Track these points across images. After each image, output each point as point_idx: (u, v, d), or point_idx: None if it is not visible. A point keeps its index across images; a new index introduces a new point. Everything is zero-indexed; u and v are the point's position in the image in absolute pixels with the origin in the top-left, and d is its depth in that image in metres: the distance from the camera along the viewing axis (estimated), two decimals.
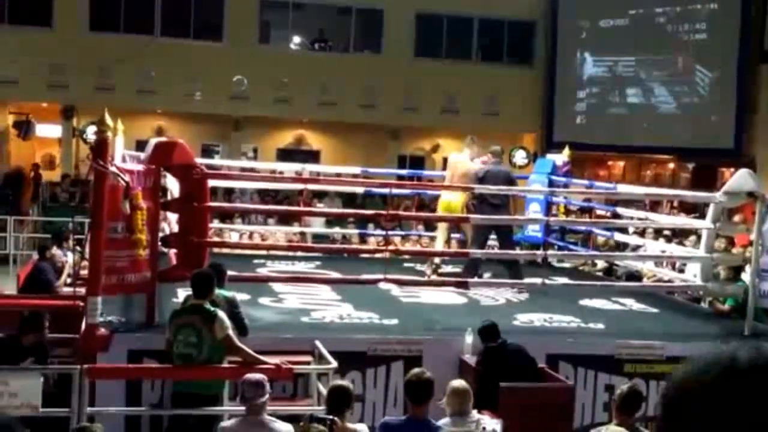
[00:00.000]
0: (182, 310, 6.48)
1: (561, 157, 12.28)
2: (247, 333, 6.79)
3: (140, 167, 7.55)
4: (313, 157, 22.16)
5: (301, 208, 8.92)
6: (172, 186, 8.59)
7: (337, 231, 10.24)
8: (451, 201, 9.72)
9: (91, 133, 17.83)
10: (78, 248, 10.16)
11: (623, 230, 11.87)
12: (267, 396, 5.24)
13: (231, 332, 6.24)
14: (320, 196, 16.30)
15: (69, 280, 9.54)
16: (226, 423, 5.15)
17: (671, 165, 23.70)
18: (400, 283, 8.82)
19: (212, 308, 6.30)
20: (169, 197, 8.51)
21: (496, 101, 22.46)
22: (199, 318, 6.26)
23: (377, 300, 8.68)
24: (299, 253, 10.99)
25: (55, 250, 9.95)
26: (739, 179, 8.57)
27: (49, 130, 21.47)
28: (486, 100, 22.39)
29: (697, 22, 21.51)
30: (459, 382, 5.68)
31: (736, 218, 13.12)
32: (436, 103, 22.26)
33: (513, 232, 10.00)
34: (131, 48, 20.46)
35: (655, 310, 9.27)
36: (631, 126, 22.14)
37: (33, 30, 20.32)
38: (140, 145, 13.09)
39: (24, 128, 19.97)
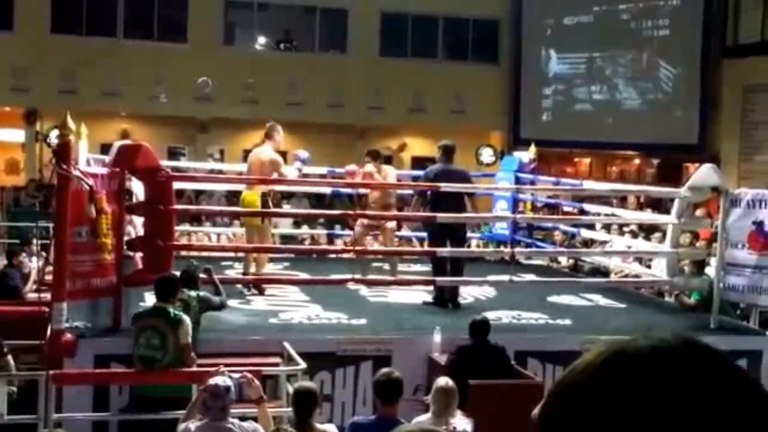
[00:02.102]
0: (144, 312, 6.47)
1: (527, 155, 12.34)
2: (226, 305, 7.16)
3: (104, 170, 7.49)
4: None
5: (267, 210, 8.87)
6: (138, 189, 8.53)
7: (304, 232, 10.22)
8: (246, 194, 9.35)
9: (54, 137, 17.63)
10: (43, 253, 10.08)
11: (590, 226, 11.95)
12: (229, 400, 5.18)
13: (189, 341, 6.29)
14: (288, 196, 16.26)
15: (35, 286, 9.44)
16: (190, 425, 5.10)
17: (637, 161, 23.91)
18: (369, 283, 8.82)
19: (177, 312, 6.29)
20: (134, 200, 8.44)
21: (462, 99, 22.53)
22: (163, 321, 6.25)
23: (346, 300, 8.68)
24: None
25: (23, 257, 9.85)
26: (703, 174, 8.65)
27: (11, 135, 21.24)
28: (452, 98, 22.46)
29: (660, 18, 21.71)
30: (445, 381, 5.67)
31: (699, 212, 13.25)
32: (402, 102, 22.29)
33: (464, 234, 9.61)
34: (94, 50, 20.28)
35: (622, 305, 9.35)
36: (597, 123, 22.31)
37: None
38: (105, 149, 12.99)
39: None
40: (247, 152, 22.28)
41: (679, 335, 1.03)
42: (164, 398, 6.18)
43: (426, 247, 9.49)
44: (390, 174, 9.95)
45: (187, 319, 6.30)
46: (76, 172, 6.78)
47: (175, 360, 6.23)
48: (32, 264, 9.88)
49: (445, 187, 8.53)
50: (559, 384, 1.02)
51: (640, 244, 11.13)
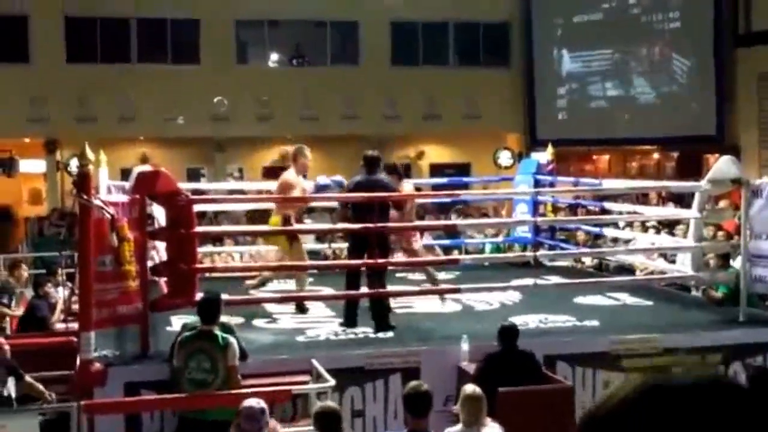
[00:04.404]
0: (192, 336, 6.46)
1: (545, 156, 12.31)
2: (247, 357, 6.82)
3: (125, 198, 7.55)
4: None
5: (288, 227, 8.89)
6: (159, 214, 8.58)
7: (327, 246, 10.24)
8: (271, 219, 9.22)
9: (75, 165, 17.78)
10: (69, 283, 10.15)
11: (612, 224, 11.89)
12: (264, 422, 5.21)
13: (237, 364, 6.31)
14: (309, 211, 16.29)
15: (62, 316, 9.51)
16: None
17: (656, 155, 23.80)
18: (393, 294, 8.81)
19: (224, 335, 6.34)
20: (156, 225, 8.49)
21: (477, 104, 22.51)
22: (212, 344, 6.29)
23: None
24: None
25: (49, 287, 9.93)
26: (722, 167, 8.59)
27: (33, 166, 21.43)
28: (467, 103, 22.45)
29: (671, 11, 21.62)
30: (472, 388, 5.64)
31: (723, 203, 13.17)
32: (417, 110, 22.31)
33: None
34: (109, 77, 20.47)
35: (649, 303, 9.30)
36: (613, 119, 22.23)
37: (10, 66, 20.30)
38: (125, 174, 13.10)
39: (8, 165, 19.94)
40: (265, 169, 22.58)
41: (714, 375, 1.04)
42: (214, 422, 6.19)
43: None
44: (406, 190, 9.68)
45: (234, 341, 6.36)
46: (97, 202, 6.82)
47: (223, 382, 6.28)
48: (58, 294, 9.95)
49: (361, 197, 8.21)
50: (593, 415, 1.03)
51: (664, 240, 11.06)
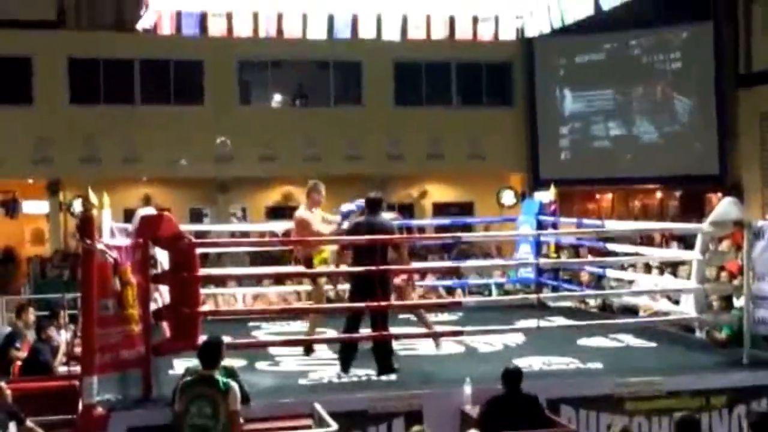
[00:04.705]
0: (193, 381, 6.43)
1: (547, 196, 12.32)
2: (249, 400, 6.79)
3: (128, 242, 7.56)
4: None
5: (289, 270, 8.90)
6: (162, 256, 8.59)
7: (330, 288, 10.22)
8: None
9: (78, 206, 17.88)
10: (71, 326, 10.15)
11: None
12: None
13: (240, 408, 6.27)
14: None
15: (64, 359, 9.50)
16: None
17: (659, 194, 23.84)
18: (396, 336, 8.77)
19: (225, 379, 6.31)
20: (159, 268, 8.49)
21: (480, 143, 22.62)
22: (213, 389, 6.25)
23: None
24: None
25: (51, 330, 9.92)
26: (723, 208, 8.60)
27: (36, 207, 21.50)
28: (470, 143, 22.55)
29: (672, 51, 21.81)
30: None
31: (725, 244, 13.16)
32: (420, 150, 22.41)
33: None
34: (113, 118, 20.59)
35: (652, 344, 9.26)
36: (616, 158, 22.32)
37: (14, 108, 20.42)
38: (128, 215, 13.12)
39: (11, 207, 20.03)
40: (268, 209, 22.62)
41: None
42: None
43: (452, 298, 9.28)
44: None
45: (235, 386, 6.32)
46: (100, 246, 6.84)
47: (225, 428, 6.23)
48: (61, 337, 9.94)
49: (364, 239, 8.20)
50: None
51: (667, 281, 11.04)
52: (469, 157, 22.60)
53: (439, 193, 23.91)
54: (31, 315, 10.72)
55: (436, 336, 9.15)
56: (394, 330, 8.64)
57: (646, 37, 22.06)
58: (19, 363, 9.53)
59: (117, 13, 20.49)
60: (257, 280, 12.74)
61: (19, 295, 16.56)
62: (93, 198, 7.18)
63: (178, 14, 10.71)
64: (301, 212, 9.34)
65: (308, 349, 8.96)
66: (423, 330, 9.35)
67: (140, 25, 11.12)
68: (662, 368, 8.06)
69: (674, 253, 12.48)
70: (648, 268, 12.04)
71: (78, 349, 7.79)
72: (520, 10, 11.43)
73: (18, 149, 20.16)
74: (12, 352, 9.68)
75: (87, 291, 6.82)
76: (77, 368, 7.38)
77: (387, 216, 8.88)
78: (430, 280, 12.78)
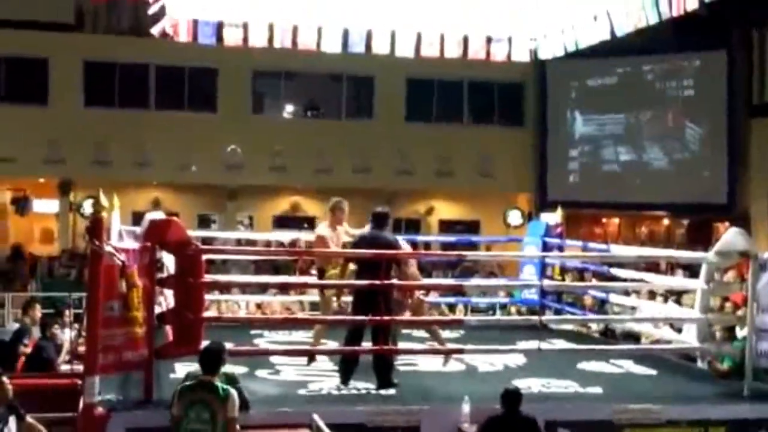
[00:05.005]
0: (192, 386, 6.47)
1: (554, 218, 12.36)
2: (249, 407, 6.83)
3: (136, 245, 7.62)
4: (309, 223, 22.27)
5: (294, 280, 8.95)
6: (168, 261, 8.64)
7: (333, 300, 10.27)
8: None
9: (87, 207, 17.98)
10: (76, 325, 10.20)
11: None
12: None
13: (238, 415, 6.30)
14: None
15: (68, 357, 9.55)
16: None
17: (666, 221, 23.83)
18: (397, 351, 8.80)
19: (225, 386, 6.34)
20: (165, 272, 8.55)
21: (489, 162, 22.68)
22: (212, 395, 6.28)
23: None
24: None
25: (55, 328, 9.98)
26: (730, 239, 8.61)
27: (46, 206, 21.63)
28: (479, 161, 22.62)
29: (685, 78, 21.86)
30: None
31: (730, 274, 13.14)
32: (429, 166, 22.48)
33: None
34: (126, 121, 20.72)
35: (653, 372, 9.26)
36: (624, 183, 22.34)
37: (29, 107, 20.60)
38: (137, 218, 13.20)
39: (21, 204, 20.15)
40: (276, 218, 22.69)
41: None
42: None
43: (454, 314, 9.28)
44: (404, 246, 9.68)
45: (234, 393, 6.34)
46: (109, 248, 6.90)
47: None
48: (65, 335, 9.99)
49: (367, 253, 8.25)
50: None
51: (670, 309, 11.05)
52: (478, 175, 22.67)
53: (445, 210, 23.97)
54: (38, 311, 10.78)
55: (443, 353, 9.17)
56: (401, 345, 8.68)
57: (659, 63, 22.11)
58: (23, 359, 9.59)
59: (134, 18, 20.63)
60: (261, 288, 12.79)
61: (26, 292, 16.65)
62: (104, 200, 7.23)
63: (195, 22, 10.81)
64: (321, 229, 9.40)
65: (311, 358, 9.02)
66: (423, 346, 9.38)
67: (155, 31, 11.21)
68: (662, 396, 8.06)
69: (679, 281, 12.50)
70: (652, 294, 12.05)
71: (82, 348, 7.83)
72: (534, 32, 11.50)
73: (31, 148, 20.31)
74: (19, 348, 9.75)
75: (93, 292, 6.88)
76: (80, 367, 7.42)
77: None
78: (433, 297, 12.82)
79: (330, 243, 9.11)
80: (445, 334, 10.53)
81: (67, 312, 10.96)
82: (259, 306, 13.22)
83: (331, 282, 9.00)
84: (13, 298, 14.52)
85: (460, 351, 9.01)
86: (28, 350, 9.74)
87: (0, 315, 16.49)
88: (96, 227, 6.98)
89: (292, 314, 11.77)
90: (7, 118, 20.29)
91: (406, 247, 9.36)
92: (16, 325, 10.46)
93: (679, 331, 10.06)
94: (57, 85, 21.00)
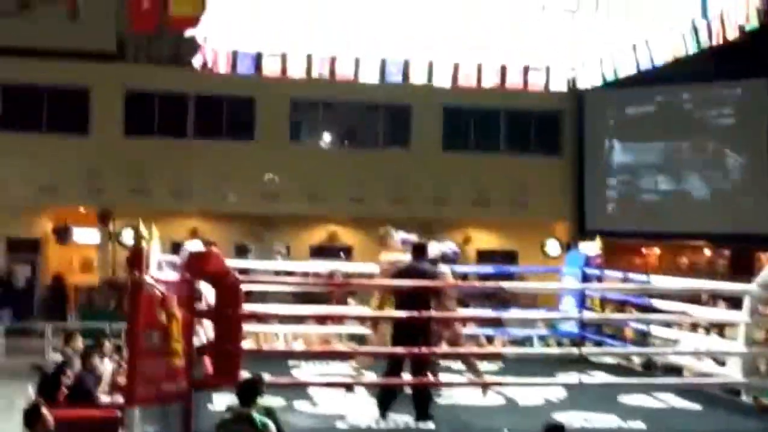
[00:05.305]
0: (230, 420, 6.46)
1: (593, 247, 12.23)
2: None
3: (175, 275, 7.65)
4: (345, 253, 22.30)
5: (331, 312, 8.92)
6: (207, 291, 8.67)
7: (370, 333, 10.24)
8: None
9: (127, 236, 18.15)
10: (115, 356, 10.26)
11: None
12: None
13: None
14: (354, 292, 16.29)
15: (107, 389, 9.59)
16: None
17: (707, 251, 23.52)
18: (436, 384, 8.73)
19: (263, 419, 6.33)
20: (203, 302, 8.57)
21: (525, 191, 22.59)
22: (250, 428, 6.27)
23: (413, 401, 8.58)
24: None
25: (95, 359, 10.02)
26: None
27: (86, 235, 21.84)
28: (516, 190, 22.54)
29: (725, 107, 21.67)
30: None
31: None
32: (466, 195, 22.44)
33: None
34: (165, 150, 20.94)
35: (696, 407, 9.09)
36: (664, 212, 22.12)
37: (70, 137, 20.90)
38: (175, 247, 13.27)
39: (62, 234, 20.38)
40: (313, 248, 22.73)
41: None
42: None
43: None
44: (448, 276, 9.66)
45: (272, 425, 6.33)
46: (149, 279, 6.93)
47: None
48: (104, 366, 10.04)
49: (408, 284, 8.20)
50: None
51: (713, 342, 10.86)
52: (515, 204, 22.58)
53: (482, 240, 23.87)
54: (79, 342, 10.85)
55: (482, 385, 9.08)
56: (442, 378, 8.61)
57: (698, 92, 21.95)
58: (65, 391, 9.63)
59: (175, 48, 20.89)
60: (299, 319, 12.77)
61: (65, 322, 16.80)
62: (143, 230, 7.28)
63: (234, 53, 10.89)
64: (383, 260, 9.35)
65: (350, 388, 8.98)
66: (462, 379, 9.29)
67: (196, 62, 11.31)
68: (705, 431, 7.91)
69: (721, 313, 12.28)
70: (694, 327, 11.86)
71: (121, 379, 7.86)
72: (572, 62, 11.45)
73: (72, 178, 20.60)
74: (62, 380, 9.80)
75: (133, 322, 6.91)
76: (120, 398, 7.44)
77: (448, 244, 8.91)
78: (471, 329, 12.71)
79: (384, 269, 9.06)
80: (484, 366, 10.46)
81: (106, 343, 11.02)
82: (297, 337, 13.20)
83: (369, 314, 8.98)
84: (53, 328, 14.64)
85: (500, 384, 8.91)
86: (69, 381, 9.79)
87: (40, 345, 16.67)
88: (136, 258, 7.02)
89: (331, 346, 11.74)
90: (48, 148, 20.61)
91: (449, 276, 9.34)
92: (58, 356, 10.51)
93: (723, 364, 9.88)
94: (98, 114, 21.31)
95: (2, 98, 21.17)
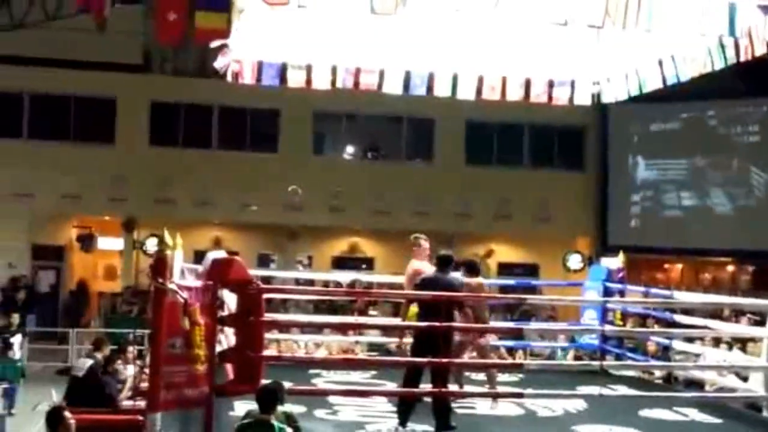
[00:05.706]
0: (249, 424, 6.50)
1: (615, 262, 12.22)
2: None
3: (198, 283, 7.72)
4: (367, 264, 22.35)
5: (353, 320, 8.96)
6: (229, 299, 8.73)
7: (392, 341, 10.28)
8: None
9: (150, 245, 18.29)
10: (138, 362, 10.34)
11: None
12: None
13: None
14: (374, 303, 16.35)
15: (130, 393, 9.66)
16: None
17: (730, 267, 23.37)
18: (456, 394, 8.75)
19: (282, 425, 6.36)
20: (225, 310, 8.64)
21: (548, 206, 22.56)
22: None
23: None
24: None
25: (118, 364, 10.12)
26: None
27: (110, 243, 22.02)
28: (538, 205, 22.51)
29: (750, 124, 21.56)
30: None
31: None
32: (488, 209, 22.43)
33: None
34: (189, 161, 21.10)
35: (717, 421, 9.04)
36: (687, 228, 22.01)
37: (96, 146, 21.11)
38: (198, 256, 13.38)
39: (86, 242, 20.56)
40: (334, 259, 22.80)
41: None
42: None
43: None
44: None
45: (289, 430, 6.35)
46: (172, 286, 7.00)
47: None
48: (127, 371, 10.12)
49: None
50: None
51: (736, 357, 10.81)
52: (537, 219, 22.55)
53: (504, 253, 23.83)
54: (107, 349, 10.90)
55: (502, 396, 9.08)
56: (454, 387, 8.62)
57: (724, 109, 21.85)
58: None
59: (200, 59, 21.08)
60: (319, 327, 12.83)
61: (90, 328, 16.94)
62: (168, 238, 7.36)
63: (260, 64, 10.97)
64: (412, 264, 9.37)
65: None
66: (483, 389, 9.29)
67: (219, 65, 11.39)
68: None
69: (744, 328, 12.22)
70: (716, 341, 11.81)
71: (144, 385, 7.93)
72: (597, 76, 11.46)
73: (97, 187, 20.79)
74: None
75: (156, 329, 6.98)
76: (142, 403, 7.50)
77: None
78: (493, 340, 12.72)
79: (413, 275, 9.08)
80: (504, 377, 10.46)
81: (129, 348, 11.11)
82: (317, 346, 13.27)
83: (390, 323, 9.01)
84: (77, 333, 14.77)
85: (520, 395, 8.91)
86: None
87: (64, 350, 16.82)
88: (160, 265, 7.09)
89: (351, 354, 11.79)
90: (74, 156, 20.82)
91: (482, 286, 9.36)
92: (85, 360, 10.56)
93: (745, 379, 9.83)
94: (124, 124, 21.52)
95: (30, 108, 21.43)
